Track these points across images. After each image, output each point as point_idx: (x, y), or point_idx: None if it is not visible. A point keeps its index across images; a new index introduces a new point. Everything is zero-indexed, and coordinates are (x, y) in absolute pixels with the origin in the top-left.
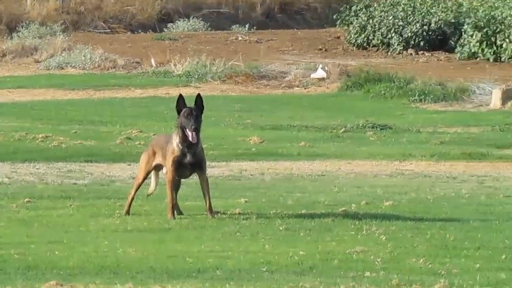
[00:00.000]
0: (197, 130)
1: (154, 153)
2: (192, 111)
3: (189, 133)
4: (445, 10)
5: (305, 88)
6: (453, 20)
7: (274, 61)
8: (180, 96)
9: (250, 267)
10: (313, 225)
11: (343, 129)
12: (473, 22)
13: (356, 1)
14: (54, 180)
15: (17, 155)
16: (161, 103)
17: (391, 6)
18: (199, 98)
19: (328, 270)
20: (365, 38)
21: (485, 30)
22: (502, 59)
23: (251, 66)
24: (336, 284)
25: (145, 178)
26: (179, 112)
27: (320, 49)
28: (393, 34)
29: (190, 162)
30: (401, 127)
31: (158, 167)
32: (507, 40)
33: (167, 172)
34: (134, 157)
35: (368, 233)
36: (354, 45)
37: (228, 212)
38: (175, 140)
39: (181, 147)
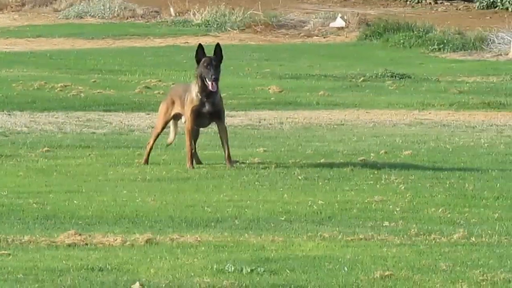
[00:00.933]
0: (216, 80)
1: (173, 102)
2: (212, 61)
3: (208, 83)
4: None
5: (324, 37)
6: None
7: (293, 10)
8: (200, 45)
9: (269, 217)
10: (331, 174)
11: (362, 78)
12: None
13: None
14: (73, 130)
15: (36, 104)
16: (180, 52)
17: None
18: (218, 47)
19: (346, 219)
20: None
21: None
22: None
23: (270, 15)
24: (355, 233)
25: (164, 127)
26: (198, 61)
27: None
28: None
29: (209, 112)
30: (420, 76)
31: (177, 116)
32: None
33: (186, 121)
34: (153, 106)
35: (386, 182)
36: None
37: (247, 162)
38: (194, 90)
39: (200, 97)
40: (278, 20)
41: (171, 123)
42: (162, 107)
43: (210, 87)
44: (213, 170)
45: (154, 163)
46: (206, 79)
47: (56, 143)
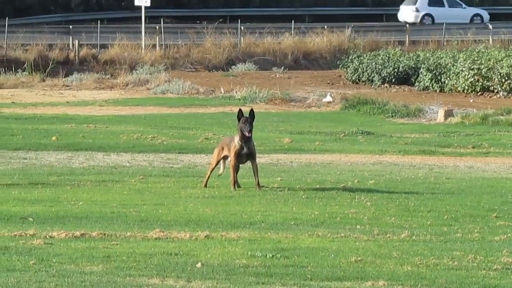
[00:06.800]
0: (250, 131)
1: (222, 148)
2: (248, 119)
3: (245, 133)
4: (408, 58)
5: (319, 108)
6: (413, 65)
7: (299, 90)
8: (240, 109)
9: (283, 221)
10: (323, 195)
11: (343, 134)
12: (426, 67)
13: (351, 52)
14: (158, 165)
15: (135, 148)
16: (227, 117)
17: (374, 56)
18: (252, 111)
19: (333, 224)
20: (357, 76)
21: (434, 72)
22: (445, 90)
23: (284, 93)
24: (338, 233)
25: (216, 164)
26: (239, 119)
27: (329, 83)
28: (375, 74)
29: (246, 153)
30: (380, 133)
31: (225, 157)
32: (448, 78)
33: (231, 160)
34: (210, 150)
35: (358, 201)
36: (350, 80)
37: (269, 186)
38: (236, 139)
39: (240, 143)
40: (289, 96)
41: (221, 162)
42: (216, 151)
43: (246, 134)
44: (248, 192)
45: (210, 187)
46: (244, 131)
47: (148, 173)
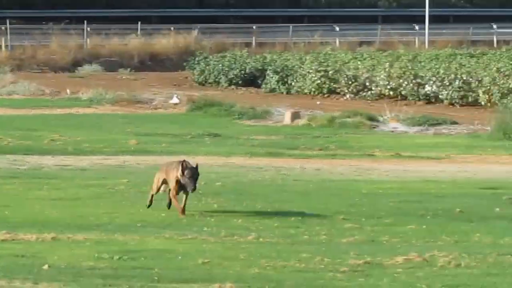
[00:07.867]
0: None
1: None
2: (194, 175)
3: (188, 190)
4: (255, 60)
5: (165, 110)
6: (260, 67)
7: (146, 92)
8: (183, 163)
9: (130, 223)
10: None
11: (190, 136)
12: (273, 68)
13: (198, 54)
14: (4, 166)
15: None
16: (73, 118)
17: (221, 58)
18: (197, 166)
19: (180, 226)
20: (204, 78)
21: (280, 74)
22: (292, 92)
23: (131, 95)
24: (185, 234)
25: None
26: (183, 169)
27: (175, 85)
28: (221, 76)
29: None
30: (227, 135)
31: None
32: (294, 80)
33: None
34: (56, 152)
35: (205, 202)
36: (197, 82)
37: (116, 188)
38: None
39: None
40: (136, 98)
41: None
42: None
43: (189, 190)
44: (95, 194)
45: (55, 188)
46: (187, 187)
47: None
